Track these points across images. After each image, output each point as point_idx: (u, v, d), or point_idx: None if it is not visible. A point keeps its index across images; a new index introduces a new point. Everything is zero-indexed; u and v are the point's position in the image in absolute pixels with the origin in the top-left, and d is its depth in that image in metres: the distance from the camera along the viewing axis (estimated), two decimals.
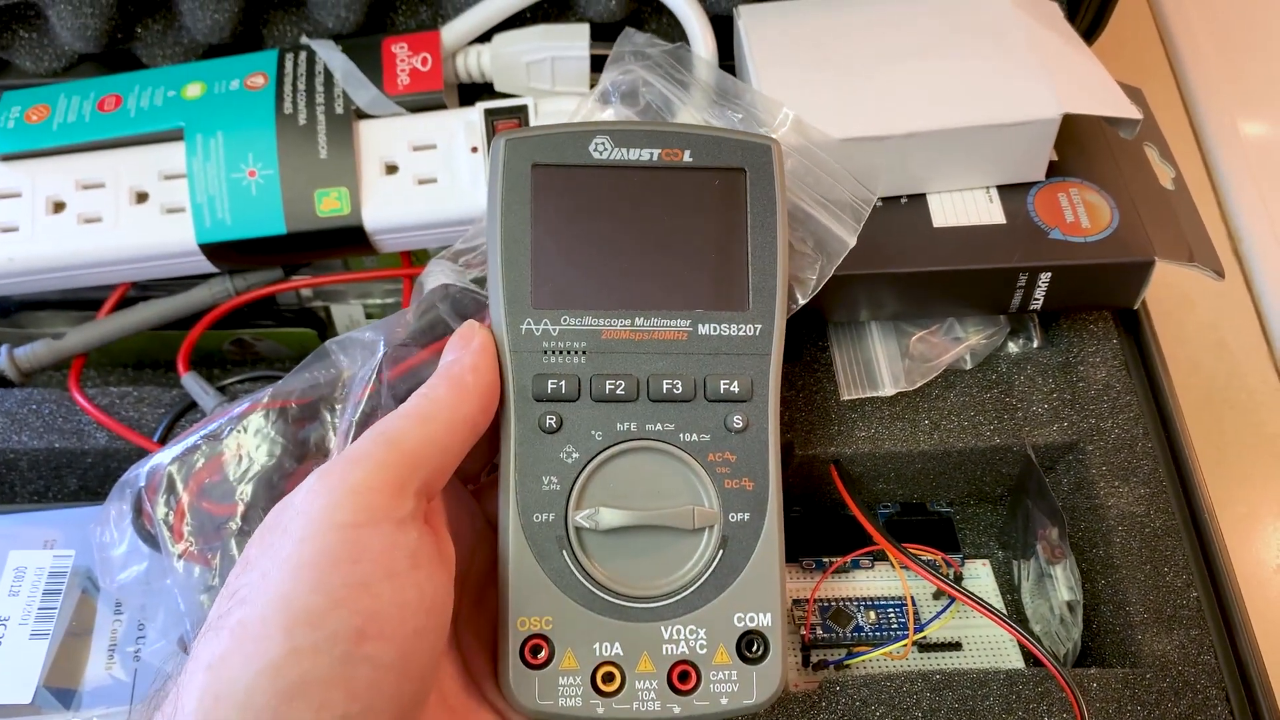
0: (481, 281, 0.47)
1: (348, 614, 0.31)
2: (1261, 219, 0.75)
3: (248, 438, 0.44)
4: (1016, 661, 0.52)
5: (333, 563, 0.31)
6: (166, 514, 0.43)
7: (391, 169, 0.53)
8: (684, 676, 0.38)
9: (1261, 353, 0.70)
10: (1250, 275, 0.73)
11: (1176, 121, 0.80)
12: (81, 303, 0.58)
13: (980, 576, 0.55)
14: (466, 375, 0.38)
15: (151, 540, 0.44)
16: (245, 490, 0.43)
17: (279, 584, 0.31)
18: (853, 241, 0.44)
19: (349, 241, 0.53)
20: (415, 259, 0.58)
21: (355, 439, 0.36)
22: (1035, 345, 0.55)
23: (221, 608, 0.31)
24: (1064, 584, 0.50)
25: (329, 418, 0.45)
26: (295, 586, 0.31)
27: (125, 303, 0.56)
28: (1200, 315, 0.71)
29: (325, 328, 0.61)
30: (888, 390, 0.52)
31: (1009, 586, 0.56)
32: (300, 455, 0.45)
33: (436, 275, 0.47)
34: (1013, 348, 0.55)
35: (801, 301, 0.44)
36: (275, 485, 0.44)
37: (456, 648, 0.39)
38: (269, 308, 0.60)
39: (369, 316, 0.60)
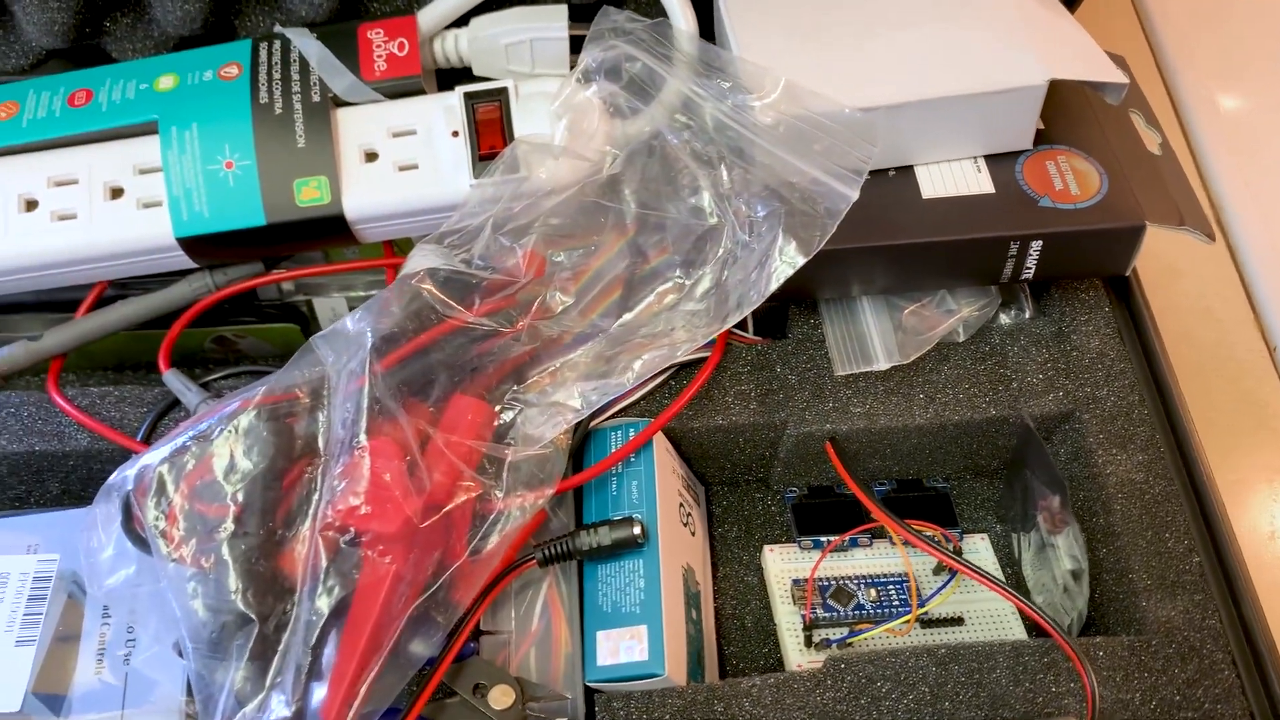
0: (469, 263, 0.47)
1: None
2: (1242, 188, 0.75)
3: (239, 437, 0.43)
4: (1019, 634, 0.52)
5: None
6: (157, 517, 0.42)
7: (371, 156, 0.52)
8: None
9: (1248, 321, 0.70)
10: (1234, 244, 0.73)
11: (1153, 93, 0.80)
12: (57, 304, 0.57)
13: (979, 551, 0.55)
14: None
15: (142, 544, 0.43)
16: (239, 492, 0.42)
17: None
18: (855, 195, 0.44)
19: (330, 232, 0.52)
20: (397, 249, 0.57)
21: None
22: (1027, 316, 0.55)
23: None
24: (1066, 553, 0.50)
25: (320, 415, 0.44)
26: None
27: (103, 302, 0.55)
28: (1187, 285, 0.72)
29: (308, 322, 0.60)
30: (882, 364, 0.51)
31: (1008, 560, 0.55)
32: (293, 454, 0.44)
33: (423, 258, 0.46)
34: (1004, 319, 0.54)
35: (803, 260, 0.44)
36: (270, 486, 0.43)
37: None
38: (250, 304, 0.59)
39: (352, 309, 0.59)
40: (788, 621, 0.52)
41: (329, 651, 0.41)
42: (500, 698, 0.45)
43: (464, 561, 0.44)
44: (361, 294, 0.58)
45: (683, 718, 0.45)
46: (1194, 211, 0.51)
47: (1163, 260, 0.72)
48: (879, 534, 0.54)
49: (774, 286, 0.46)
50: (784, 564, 0.54)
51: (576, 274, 0.48)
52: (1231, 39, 0.82)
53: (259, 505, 0.42)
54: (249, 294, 0.57)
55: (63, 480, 0.52)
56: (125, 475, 0.43)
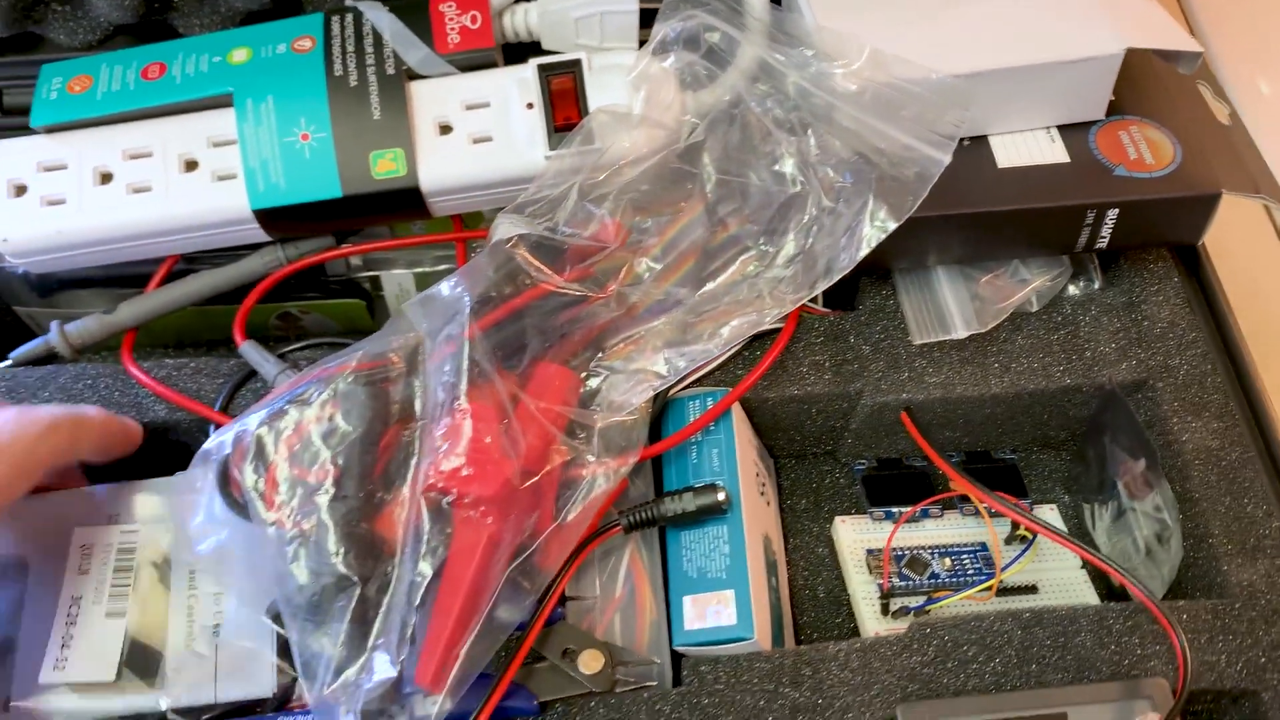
0: (554, 231, 0.47)
1: None
2: None
3: (337, 401, 0.43)
4: (1093, 600, 0.52)
5: None
6: (256, 480, 0.42)
7: (446, 129, 0.52)
8: None
9: None
10: None
11: None
12: (124, 280, 0.57)
13: (1049, 521, 0.55)
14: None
15: (239, 508, 0.43)
16: (338, 455, 0.42)
17: None
18: (947, 159, 0.44)
19: (405, 204, 0.52)
20: (466, 224, 0.57)
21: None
22: (1097, 286, 0.55)
23: None
24: (1147, 517, 0.50)
25: (416, 379, 0.44)
26: None
27: (172, 277, 0.55)
28: (1234, 265, 0.72)
29: (372, 299, 0.60)
30: (960, 333, 0.51)
31: (1077, 530, 0.56)
32: (390, 418, 0.44)
33: (510, 226, 0.46)
34: (1074, 289, 0.55)
35: (894, 225, 0.44)
36: (368, 449, 0.43)
37: None
38: (315, 280, 0.59)
39: (419, 285, 0.59)
40: (863, 591, 0.52)
41: (426, 614, 0.42)
42: (590, 662, 0.45)
43: (553, 526, 0.44)
44: (429, 270, 0.59)
45: (771, 681, 0.45)
46: (1268, 180, 0.52)
47: (1208, 240, 0.72)
48: (949, 505, 0.55)
49: (865, 252, 0.46)
50: (856, 535, 0.54)
51: (661, 240, 0.48)
52: (1272, 22, 0.82)
53: (358, 468, 0.42)
54: (315, 270, 0.57)
55: (138, 451, 0.52)
56: (222, 440, 0.43)
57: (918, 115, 0.45)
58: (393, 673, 0.40)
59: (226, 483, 0.43)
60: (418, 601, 0.40)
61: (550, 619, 0.46)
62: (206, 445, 0.43)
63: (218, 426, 0.47)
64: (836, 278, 0.47)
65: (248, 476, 0.42)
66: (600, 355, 0.48)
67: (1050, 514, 0.55)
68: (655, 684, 0.46)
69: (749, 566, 0.47)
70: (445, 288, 0.45)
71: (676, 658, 0.47)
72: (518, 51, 0.57)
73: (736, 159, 0.49)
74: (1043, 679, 0.45)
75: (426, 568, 0.41)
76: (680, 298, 0.49)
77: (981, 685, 0.45)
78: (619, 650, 0.46)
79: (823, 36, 0.49)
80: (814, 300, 0.55)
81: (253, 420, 0.43)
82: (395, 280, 0.59)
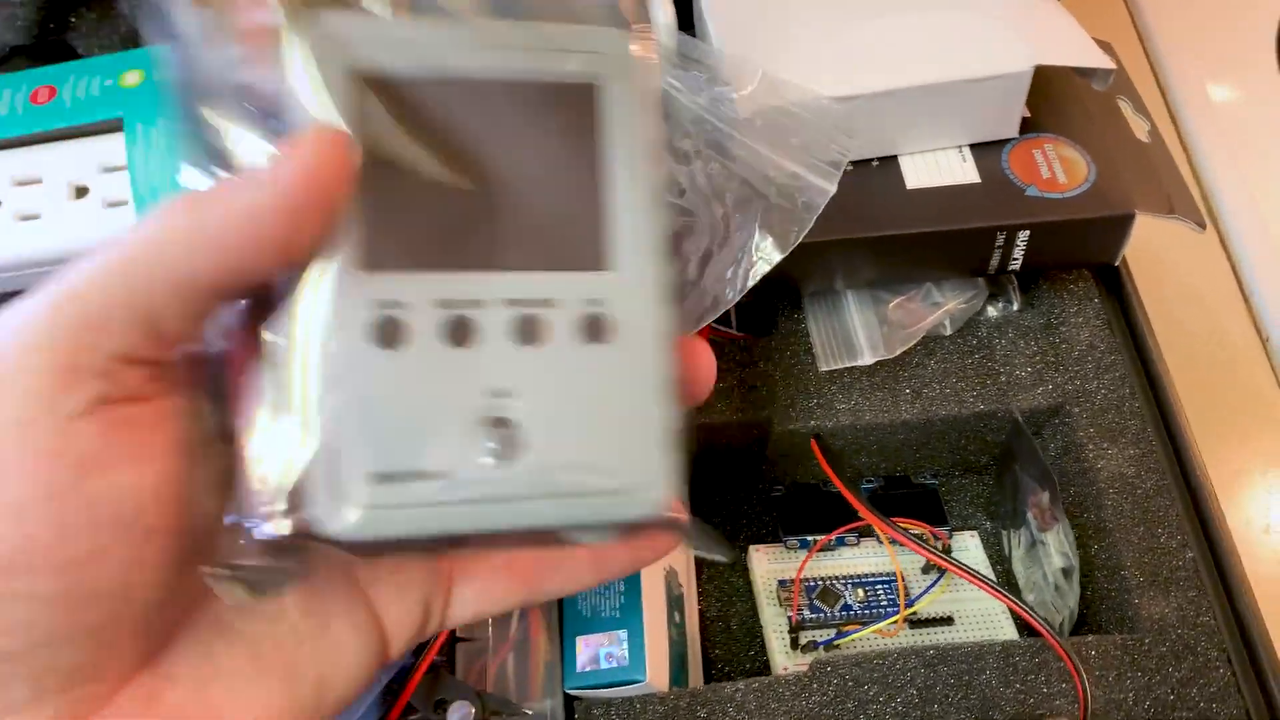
0: None
1: None
2: (1233, 176, 0.74)
3: None
4: (1010, 633, 0.51)
5: None
6: None
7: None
8: None
9: (1240, 309, 0.69)
10: (1225, 233, 0.72)
11: (1143, 83, 0.78)
12: None
13: (969, 548, 0.54)
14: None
15: None
16: None
17: None
18: (833, 188, 0.42)
19: None
20: None
21: None
22: (1015, 308, 0.53)
23: None
24: (1057, 551, 0.49)
25: None
26: None
27: None
28: (1179, 274, 0.70)
29: None
30: (866, 359, 0.50)
31: (999, 557, 0.54)
32: None
33: None
34: (992, 311, 0.53)
35: (779, 257, 0.43)
36: None
37: None
38: None
39: None
40: (774, 623, 0.51)
41: None
42: (460, 713, 0.44)
43: None
44: None
45: None
46: (1184, 199, 0.50)
47: (1153, 249, 0.71)
48: (866, 533, 0.53)
49: (751, 284, 0.44)
50: (770, 564, 0.53)
51: None
52: (1221, 28, 0.81)
53: None
54: None
55: None
56: None
57: (806, 143, 0.43)
58: None
59: None
60: None
61: (430, 666, 0.45)
62: None
63: None
64: (723, 310, 0.45)
65: None
66: None
67: (971, 540, 0.54)
68: None
69: (644, 606, 0.45)
70: None
71: (570, 700, 0.46)
72: None
73: None
74: (945, 719, 0.44)
75: None
76: None
77: None
78: (493, 700, 0.45)
79: (723, 61, 0.47)
80: (726, 323, 0.54)
81: None
82: None
